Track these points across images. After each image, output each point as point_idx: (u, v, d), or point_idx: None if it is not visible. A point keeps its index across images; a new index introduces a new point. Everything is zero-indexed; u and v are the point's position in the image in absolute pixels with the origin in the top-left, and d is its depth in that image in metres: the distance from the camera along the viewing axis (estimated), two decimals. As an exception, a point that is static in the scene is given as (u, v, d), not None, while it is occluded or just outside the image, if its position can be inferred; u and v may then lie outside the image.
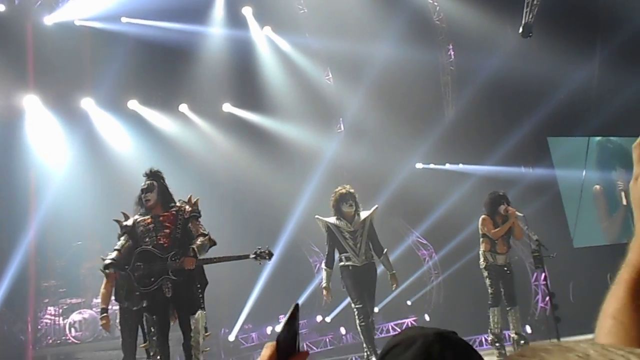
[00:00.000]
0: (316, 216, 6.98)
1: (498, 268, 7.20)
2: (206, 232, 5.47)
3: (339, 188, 6.84)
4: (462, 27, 11.53)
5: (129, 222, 5.55)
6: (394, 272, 6.84)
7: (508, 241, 7.33)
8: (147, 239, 5.41)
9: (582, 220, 11.65)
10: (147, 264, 5.34)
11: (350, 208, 6.72)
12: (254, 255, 5.58)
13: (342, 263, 6.78)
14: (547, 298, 9.93)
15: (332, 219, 6.80)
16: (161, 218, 5.48)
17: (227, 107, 12.02)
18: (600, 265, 8.61)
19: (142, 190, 5.54)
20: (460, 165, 11.79)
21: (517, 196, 9.35)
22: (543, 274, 8.05)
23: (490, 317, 7.25)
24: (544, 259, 7.20)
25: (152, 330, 5.37)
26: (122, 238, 5.54)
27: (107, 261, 5.47)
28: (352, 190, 6.83)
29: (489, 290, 7.21)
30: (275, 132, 11.73)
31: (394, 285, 6.88)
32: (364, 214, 6.82)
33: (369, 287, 6.69)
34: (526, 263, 10.98)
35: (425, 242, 11.87)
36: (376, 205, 7.16)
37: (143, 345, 5.39)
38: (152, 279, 5.31)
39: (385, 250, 6.89)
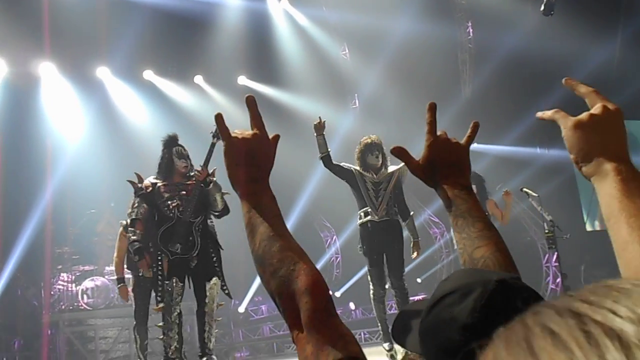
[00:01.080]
0: (342, 163, 6.22)
1: None
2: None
3: (365, 138, 6.25)
4: (481, 4, 11.36)
5: (147, 185, 5.53)
6: (418, 239, 6.23)
7: None
8: (170, 204, 5.43)
9: (596, 203, 11.53)
10: (171, 230, 5.37)
11: (377, 160, 6.09)
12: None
13: (360, 220, 6.14)
14: (559, 279, 9.91)
15: (358, 168, 6.17)
16: (185, 185, 5.51)
17: (242, 80, 11.98)
18: (612, 248, 8.55)
19: (178, 156, 5.55)
20: (476, 145, 11.65)
21: (532, 177, 9.30)
22: (555, 255, 8.01)
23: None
24: (557, 240, 7.16)
25: (167, 296, 5.38)
26: (137, 201, 5.50)
27: (135, 245, 5.40)
28: (378, 141, 6.20)
29: None
30: (290, 105, 11.70)
31: (415, 254, 6.27)
32: (391, 168, 6.17)
33: (389, 249, 6.03)
34: (538, 244, 10.95)
35: (437, 220, 11.85)
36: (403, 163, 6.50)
37: (157, 308, 5.40)
38: (178, 244, 5.35)
39: (412, 213, 6.29)
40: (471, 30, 12.06)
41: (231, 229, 5.91)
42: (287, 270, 1.02)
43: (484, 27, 11.66)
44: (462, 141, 1.34)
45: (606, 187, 0.97)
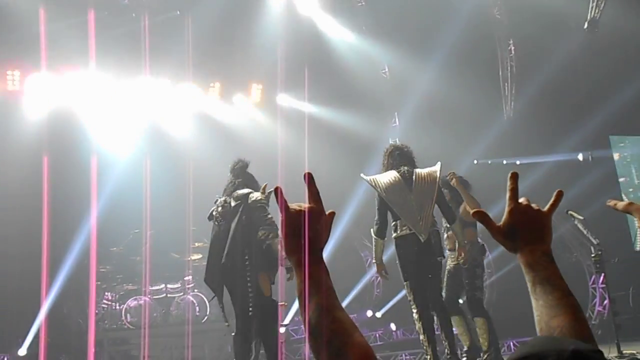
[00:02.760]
0: (361, 175, 5.88)
1: None
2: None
3: (391, 143, 6.14)
4: (523, 21, 11.25)
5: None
6: (465, 243, 6.04)
7: None
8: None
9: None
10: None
11: (405, 167, 5.73)
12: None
13: (395, 234, 5.72)
14: (606, 302, 9.64)
15: (385, 178, 5.70)
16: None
17: (284, 98, 12.07)
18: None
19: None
20: (518, 163, 11.53)
21: (577, 197, 9.09)
22: (602, 277, 7.80)
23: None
24: (604, 263, 6.98)
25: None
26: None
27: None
28: (407, 148, 5.90)
29: None
30: (331, 123, 11.72)
31: (461, 258, 6.04)
32: (424, 171, 5.73)
33: (428, 264, 5.59)
34: (584, 265, 10.68)
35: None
36: (439, 163, 5.90)
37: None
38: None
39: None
40: (513, 47, 11.94)
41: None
42: (340, 343, 1.06)
43: (526, 45, 11.54)
44: (545, 208, 1.36)
45: None
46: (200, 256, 9.83)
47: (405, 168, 5.71)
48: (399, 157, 5.82)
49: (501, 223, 1.34)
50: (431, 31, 11.11)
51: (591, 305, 10.69)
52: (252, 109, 11.93)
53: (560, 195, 1.37)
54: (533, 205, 1.35)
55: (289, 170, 10.96)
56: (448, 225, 6.26)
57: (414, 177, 5.66)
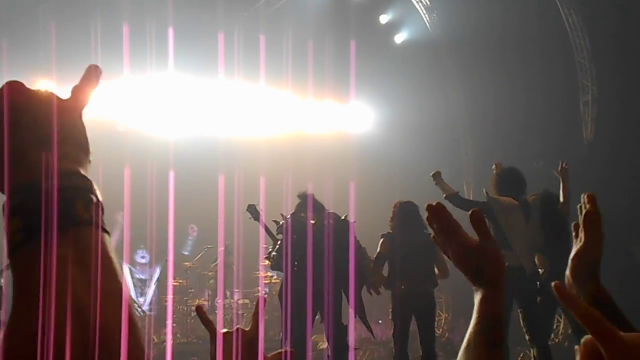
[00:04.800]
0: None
1: None
2: None
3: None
4: (604, 42, 10.91)
5: None
6: None
7: None
8: None
9: None
10: None
11: None
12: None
13: None
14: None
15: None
16: None
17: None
18: None
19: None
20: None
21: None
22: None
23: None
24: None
25: None
26: None
27: None
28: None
29: None
30: (402, 148, 11.67)
31: None
32: None
33: None
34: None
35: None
36: None
37: None
38: None
39: None
40: (594, 71, 11.58)
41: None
42: None
43: (606, 67, 11.17)
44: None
45: None
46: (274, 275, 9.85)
47: None
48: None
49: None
50: (509, 53, 10.93)
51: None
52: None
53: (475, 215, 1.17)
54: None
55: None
56: None
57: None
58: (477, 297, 1.11)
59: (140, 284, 10.63)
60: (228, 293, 10.06)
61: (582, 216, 1.20)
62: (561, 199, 6.02)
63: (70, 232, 0.65)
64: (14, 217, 0.65)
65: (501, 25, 10.77)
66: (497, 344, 1.06)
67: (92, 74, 0.79)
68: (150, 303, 10.58)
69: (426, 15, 12.34)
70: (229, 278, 9.87)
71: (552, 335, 6.51)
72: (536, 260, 5.98)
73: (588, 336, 0.71)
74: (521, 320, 5.59)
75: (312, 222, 5.63)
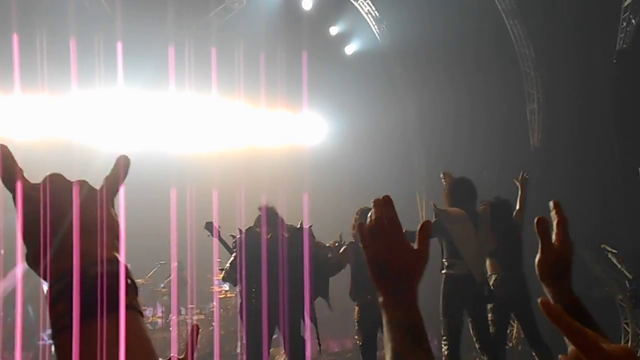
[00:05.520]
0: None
1: None
2: None
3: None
4: (549, 51, 11.21)
5: None
6: None
7: None
8: None
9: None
10: None
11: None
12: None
13: None
14: None
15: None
16: None
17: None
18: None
19: None
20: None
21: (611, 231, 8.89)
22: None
23: None
24: None
25: None
26: None
27: None
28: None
29: None
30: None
31: None
32: None
33: None
34: (616, 300, 10.41)
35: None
36: None
37: None
38: None
39: None
40: (539, 79, 11.89)
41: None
42: None
43: (551, 74, 11.48)
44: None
45: None
46: (227, 288, 9.76)
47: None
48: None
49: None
50: (456, 62, 11.12)
51: (624, 342, 10.40)
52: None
53: (424, 227, 1.22)
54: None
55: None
56: None
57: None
58: (392, 306, 1.13)
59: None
60: (182, 309, 9.90)
61: (555, 222, 1.26)
62: (517, 206, 6.14)
63: (113, 315, 0.71)
64: (59, 302, 0.70)
65: (448, 35, 10.96)
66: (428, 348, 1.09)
67: (122, 164, 0.85)
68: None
69: (375, 27, 12.50)
70: (182, 294, 9.72)
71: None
72: (487, 265, 6.06)
73: (572, 347, 0.76)
74: (471, 329, 5.65)
75: (268, 236, 5.58)
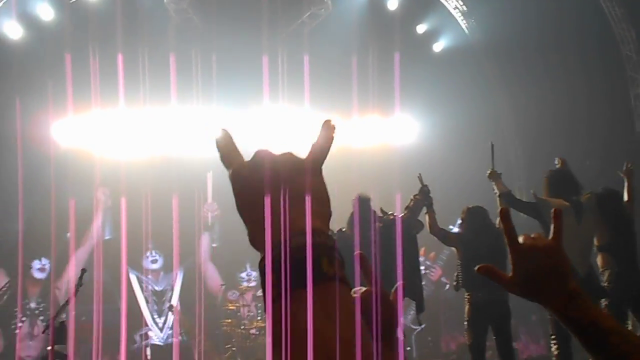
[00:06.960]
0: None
1: None
2: None
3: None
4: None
5: None
6: None
7: None
8: None
9: None
10: None
11: None
12: None
13: None
14: None
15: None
16: None
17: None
18: None
19: None
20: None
21: None
22: None
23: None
24: None
25: None
26: None
27: None
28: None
29: None
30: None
31: None
32: None
33: None
34: None
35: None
36: None
37: None
38: None
39: None
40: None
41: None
42: None
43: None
44: (550, 237, 1.17)
45: None
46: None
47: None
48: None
49: (510, 275, 1.14)
50: (556, 56, 10.76)
51: None
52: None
53: (557, 214, 1.16)
54: (535, 238, 1.15)
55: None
56: None
57: None
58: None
59: (155, 298, 8.75)
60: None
61: None
62: (625, 198, 5.84)
63: (319, 286, 0.69)
64: (272, 273, 0.70)
65: (540, 25, 10.62)
66: None
67: (328, 130, 0.83)
68: (172, 327, 8.67)
69: (464, 22, 12.27)
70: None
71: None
72: (599, 260, 5.80)
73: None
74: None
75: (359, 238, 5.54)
